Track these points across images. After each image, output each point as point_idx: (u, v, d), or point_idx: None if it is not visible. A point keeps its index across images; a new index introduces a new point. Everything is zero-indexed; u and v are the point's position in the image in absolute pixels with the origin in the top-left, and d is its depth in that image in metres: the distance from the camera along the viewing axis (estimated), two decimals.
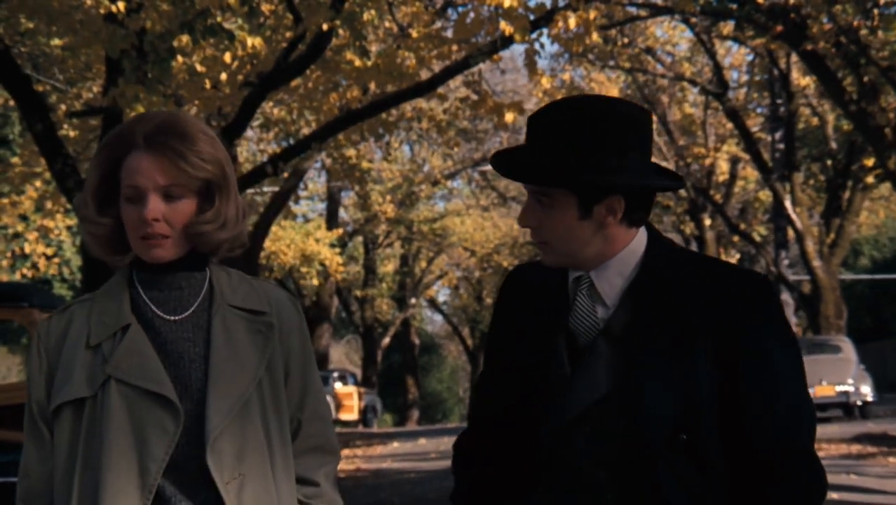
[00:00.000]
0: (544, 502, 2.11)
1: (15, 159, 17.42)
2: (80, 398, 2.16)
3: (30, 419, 2.22)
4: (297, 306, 2.31)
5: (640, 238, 2.15)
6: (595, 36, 12.56)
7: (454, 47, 13.24)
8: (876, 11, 16.68)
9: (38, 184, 16.54)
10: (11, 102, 15.46)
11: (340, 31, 12.31)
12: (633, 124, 2.09)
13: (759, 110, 30.79)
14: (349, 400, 34.14)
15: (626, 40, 26.20)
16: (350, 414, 34.09)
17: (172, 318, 2.21)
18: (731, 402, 2.07)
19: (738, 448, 2.08)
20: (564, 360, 2.12)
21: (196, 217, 2.18)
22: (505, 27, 11.44)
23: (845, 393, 22.32)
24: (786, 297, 29.57)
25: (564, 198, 2.09)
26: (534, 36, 12.62)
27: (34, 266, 23.09)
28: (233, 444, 2.14)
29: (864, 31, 17.14)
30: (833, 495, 10.47)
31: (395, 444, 22.52)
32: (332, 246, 33.12)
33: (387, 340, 42.81)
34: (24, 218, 21.68)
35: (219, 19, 12.07)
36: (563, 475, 2.10)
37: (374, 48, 16.83)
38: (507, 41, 12.24)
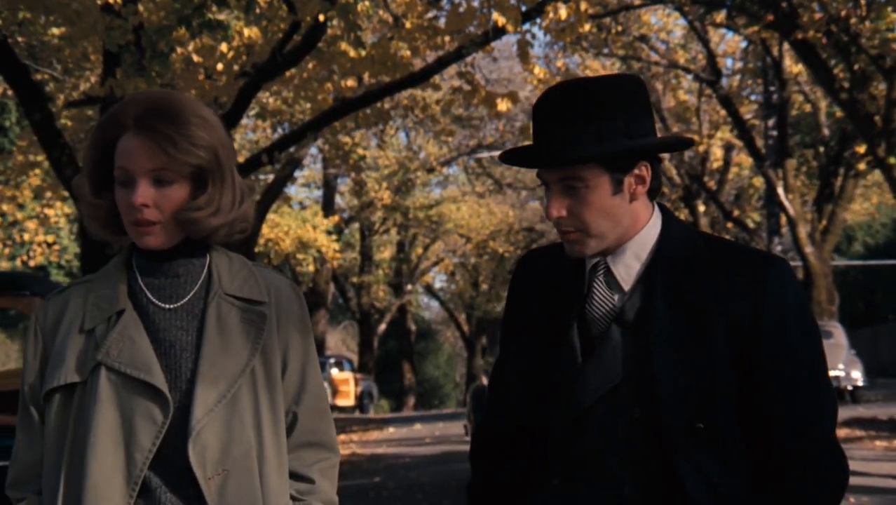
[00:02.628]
0: (560, 494, 2.07)
1: (14, 149, 17.56)
2: (71, 384, 2.09)
3: (22, 404, 2.16)
4: (298, 295, 2.22)
5: (656, 219, 2.10)
6: (587, 26, 12.69)
7: (447, 38, 13.38)
8: (863, 1, 16.84)
9: (37, 172, 16.68)
10: (10, 92, 15.59)
11: (335, 22, 12.46)
12: (633, 91, 2.06)
13: (752, 97, 30.93)
14: (345, 386, 34.34)
15: (619, 28, 26.30)
16: (346, 400, 34.30)
17: (167, 306, 2.13)
18: (750, 389, 2.02)
19: (759, 436, 2.03)
20: (577, 349, 2.07)
21: (187, 203, 2.09)
22: (497, 18, 11.57)
23: (836, 378, 22.56)
24: None
25: (594, 175, 2.03)
26: (526, 26, 12.78)
27: (28, 254, 23.26)
28: (217, 437, 2.06)
29: (853, 20, 17.29)
30: None
31: (391, 429, 22.69)
32: (329, 233, 33.26)
33: (383, 327, 42.99)
34: (21, 206, 21.81)
35: (214, 10, 12.21)
36: (577, 466, 2.06)
37: (368, 37, 16.97)
38: (500, 32, 12.39)
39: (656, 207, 2.12)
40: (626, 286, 2.07)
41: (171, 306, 2.13)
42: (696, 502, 2.00)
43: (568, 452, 2.06)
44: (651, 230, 2.08)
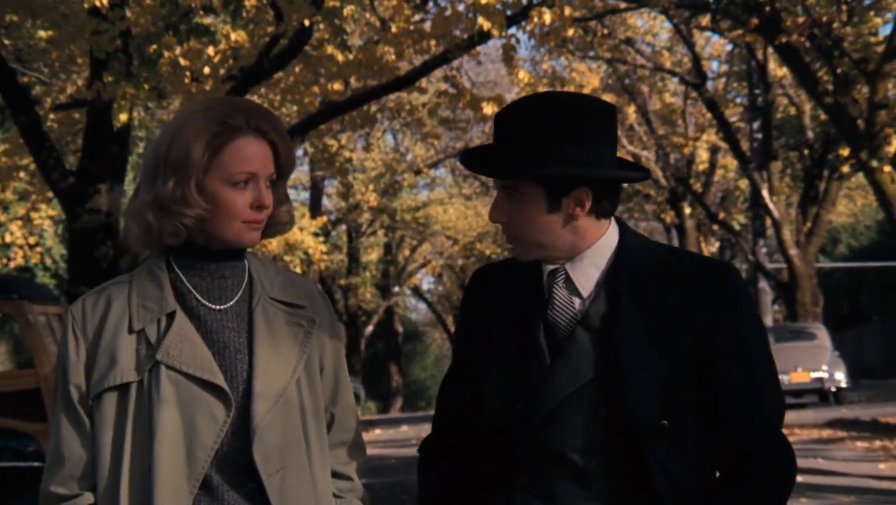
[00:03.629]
0: (528, 493, 2.12)
1: (0, 149, 17.59)
2: (126, 383, 2.12)
3: (66, 404, 2.16)
4: (326, 300, 2.30)
5: (613, 231, 2.17)
6: (571, 31, 12.79)
7: (433, 42, 13.47)
8: (844, 7, 16.98)
9: (22, 175, 16.71)
10: None
11: (321, 26, 12.53)
12: (597, 117, 2.11)
13: (738, 100, 31.10)
14: None
15: (605, 31, 26.42)
16: None
17: (217, 307, 2.17)
18: (709, 391, 2.10)
19: (717, 432, 2.12)
20: (545, 351, 2.13)
21: (277, 206, 2.20)
22: (483, 22, 11.67)
23: (820, 379, 22.70)
24: (763, 285, 29.95)
25: (532, 191, 2.10)
26: (511, 31, 12.88)
27: (9, 256, 23.26)
28: (276, 436, 2.13)
29: (836, 25, 17.44)
30: (798, 478, 10.78)
31: (378, 431, 22.77)
32: (316, 235, 33.29)
33: (370, 328, 43.05)
34: (6, 208, 21.82)
35: (201, 15, 12.26)
36: (546, 465, 2.12)
37: (355, 39, 17.05)
38: (485, 36, 12.48)
39: (613, 222, 2.19)
40: (585, 292, 2.14)
41: (222, 307, 2.17)
42: (661, 497, 2.07)
43: (536, 450, 2.11)
44: (608, 241, 2.16)
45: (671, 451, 2.09)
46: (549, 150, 2.08)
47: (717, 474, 2.15)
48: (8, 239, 22.00)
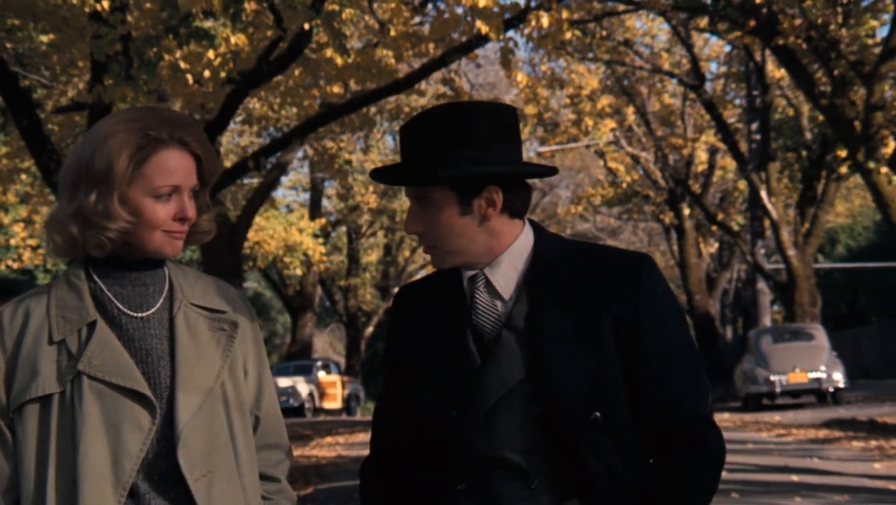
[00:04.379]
0: (470, 498, 2.16)
1: (1, 152, 17.69)
2: (48, 395, 2.11)
3: None
4: (248, 305, 2.31)
5: (528, 232, 2.22)
6: (568, 34, 12.88)
7: (431, 45, 13.56)
8: (840, 9, 17.07)
9: (23, 178, 16.82)
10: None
11: (320, 30, 12.62)
12: (496, 118, 2.17)
13: (736, 101, 31.18)
14: (332, 389, 34.42)
15: (604, 33, 26.51)
16: (333, 403, 34.38)
17: (139, 314, 2.17)
18: (634, 378, 2.16)
19: (646, 421, 2.17)
20: (475, 355, 2.16)
21: (198, 214, 2.21)
22: (480, 25, 11.76)
23: (818, 380, 22.76)
24: (762, 285, 30.05)
25: (443, 196, 2.14)
26: (509, 34, 12.96)
27: (13, 258, 23.36)
28: (201, 440, 2.14)
29: (832, 27, 17.53)
30: (793, 478, 10.88)
31: None
32: (316, 236, 33.39)
33: (370, 329, 43.14)
34: (7, 210, 21.93)
35: (200, 19, 12.35)
36: (485, 468, 2.14)
37: (354, 42, 17.14)
38: (483, 39, 12.57)
39: (527, 223, 2.23)
40: (506, 294, 2.18)
41: (143, 315, 2.17)
42: (600, 489, 2.13)
43: (474, 454, 2.15)
44: (523, 242, 2.20)
45: (605, 442, 2.14)
46: (451, 153, 2.13)
47: (651, 460, 2.20)
48: (13, 242, 22.10)
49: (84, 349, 2.11)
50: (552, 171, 2.23)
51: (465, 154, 2.13)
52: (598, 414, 2.13)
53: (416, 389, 2.21)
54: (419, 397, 2.20)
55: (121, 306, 2.16)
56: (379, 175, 2.23)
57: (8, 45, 14.40)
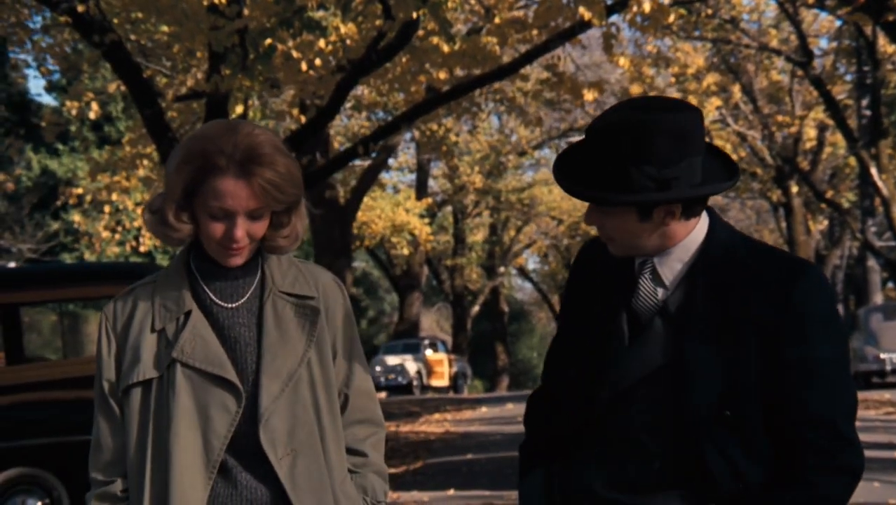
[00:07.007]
0: (594, 462, 2.28)
1: (125, 139, 18.49)
2: (148, 379, 2.32)
3: (101, 397, 2.37)
4: (342, 288, 2.45)
5: (702, 225, 2.27)
6: (672, 17, 13.00)
7: (535, 31, 13.80)
8: None
9: (145, 164, 17.57)
10: (122, 88, 16.45)
11: (427, 18, 12.98)
12: (679, 130, 2.17)
13: (847, 77, 30.63)
14: (440, 367, 34.88)
15: (710, 11, 26.32)
16: (441, 380, 34.84)
17: (229, 305, 2.35)
18: (774, 387, 2.21)
19: (781, 428, 2.22)
20: (625, 335, 2.27)
21: (272, 231, 2.35)
22: (583, 12, 11.98)
23: None
24: (872, 263, 29.61)
25: (623, 208, 2.22)
26: (612, 19, 13.15)
27: (137, 239, 24.31)
28: (284, 421, 2.31)
29: None
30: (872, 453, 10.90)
31: (484, 409, 23.17)
32: (422, 216, 33.86)
33: (476, 308, 43.49)
34: (129, 193, 22.81)
35: (311, 9, 12.80)
36: (614, 439, 2.26)
37: (459, 27, 17.47)
38: (586, 25, 12.79)
39: (704, 214, 2.29)
40: (669, 284, 2.27)
41: (233, 305, 2.35)
42: (720, 484, 2.21)
43: (607, 426, 2.27)
44: (696, 236, 2.27)
45: (732, 439, 2.21)
46: (632, 170, 2.17)
47: (780, 468, 2.25)
48: (136, 224, 23.02)
49: (178, 338, 2.32)
50: (731, 182, 2.25)
51: (647, 172, 2.17)
52: (728, 412, 2.20)
53: (570, 351, 2.36)
54: (572, 357, 2.35)
55: (213, 297, 2.36)
56: (561, 170, 2.27)
57: (132, 37, 15.09)
